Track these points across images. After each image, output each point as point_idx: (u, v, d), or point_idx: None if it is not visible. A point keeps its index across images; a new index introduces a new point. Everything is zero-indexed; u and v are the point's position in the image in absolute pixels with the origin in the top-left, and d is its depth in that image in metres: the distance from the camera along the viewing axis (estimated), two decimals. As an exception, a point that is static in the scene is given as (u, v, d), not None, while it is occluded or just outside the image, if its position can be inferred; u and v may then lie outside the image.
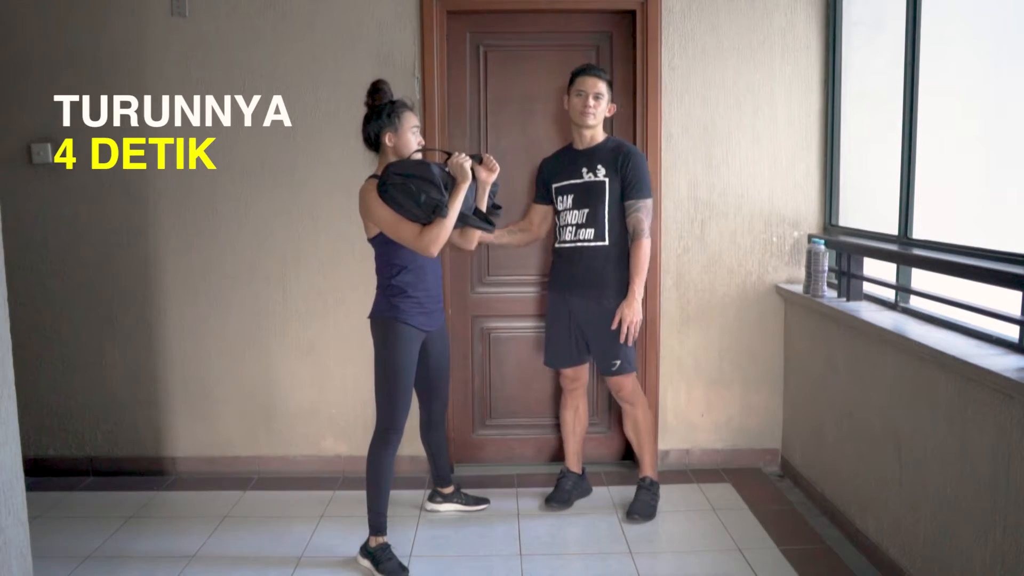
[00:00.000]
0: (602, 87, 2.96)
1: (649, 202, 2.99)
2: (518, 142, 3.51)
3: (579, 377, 3.21)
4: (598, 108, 2.97)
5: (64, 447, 3.56)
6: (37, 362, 3.46)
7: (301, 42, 3.35)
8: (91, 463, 3.57)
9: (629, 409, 3.12)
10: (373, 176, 2.70)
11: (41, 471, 3.47)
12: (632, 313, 2.94)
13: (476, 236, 2.95)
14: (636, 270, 2.95)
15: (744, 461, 3.57)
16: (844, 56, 3.32)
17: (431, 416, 3.03)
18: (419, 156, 2.70)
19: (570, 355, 3.15)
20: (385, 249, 2.71)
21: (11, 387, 1.74)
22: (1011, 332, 2.19)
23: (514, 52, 3.49)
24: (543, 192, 3.17)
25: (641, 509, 3.06)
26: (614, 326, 2.95)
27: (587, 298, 3.02)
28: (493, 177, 2.86)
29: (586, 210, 3.00)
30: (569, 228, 3.05)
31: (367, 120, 2.72)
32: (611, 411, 3.61)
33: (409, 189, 2.56)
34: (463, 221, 2.72)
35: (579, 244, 3.02)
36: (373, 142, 2.73)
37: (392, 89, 2.75)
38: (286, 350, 3.50)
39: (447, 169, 2.67)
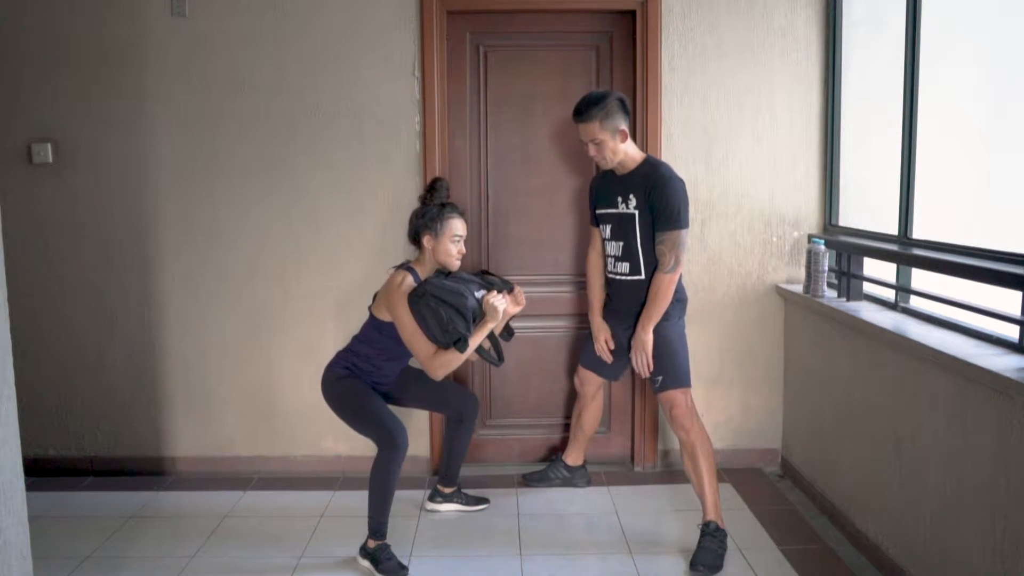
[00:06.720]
0: (594, 129, 2.76)
1: (679, 234, 2.74)
2: (518, 142, 3.51)
3: (587, 383, 3.23)
4: (604, 152, 2.80)
5: (64, 447, 3.56)
6: (37, 362, 3.46)
7: (301, 42, 3.35)
8: (91, 463, 3.57)
9: (684, 436, 2.83)
10: (408, 268, 2.76)
11: (41, 471, 3.47)
12: (639, 344, 2.83)
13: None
14: (649, 301, 2.80)
15: (744, 461, 3.57)
16: (844, 56, 3.32)
17: (463, 416, 3.06)
18: (457, 279, 2.75)
19: (595, 361, 3.16)
20: (380, 333, 2.78)
21: (11, 387, 1.73)
22: (1011, 332, 2.19)
23: (514, 52, 3.48)
24: (594, 215, 3.06)
25: (705, 559, 2.69)
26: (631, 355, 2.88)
27: (628, 327, 2.94)
28: (517, 310, 2.85)
29: (621, 243, 2.89)
30: (610, 259, 2.96)
31: (414, 215, 2.80)
32: (611, 412, 3.61)
33: (440, 315, 2.62)
34: (475, 350, 2.75)
35: (617, 277, 2.93)
36: (413, 238, 2.80)
37: (447, 189, 2.85)
38: (286, 350, 3.50)
39: (480, 296, 2.70)
